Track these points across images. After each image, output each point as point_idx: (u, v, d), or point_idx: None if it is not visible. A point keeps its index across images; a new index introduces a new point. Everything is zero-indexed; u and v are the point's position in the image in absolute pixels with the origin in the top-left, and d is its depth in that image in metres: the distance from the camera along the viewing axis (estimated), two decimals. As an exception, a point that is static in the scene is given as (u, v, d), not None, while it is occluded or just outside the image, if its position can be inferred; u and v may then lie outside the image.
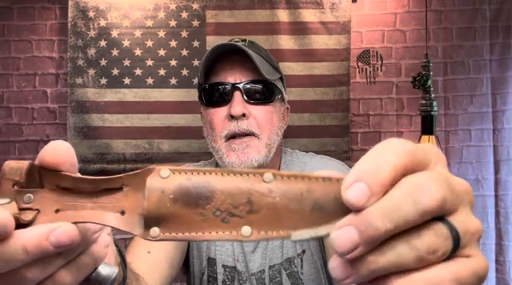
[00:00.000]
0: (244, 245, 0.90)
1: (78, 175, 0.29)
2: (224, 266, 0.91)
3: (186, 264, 0.94)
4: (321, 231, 0.24)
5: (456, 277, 0.23)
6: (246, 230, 0.25)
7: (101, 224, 0.28)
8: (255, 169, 0.26)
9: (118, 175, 0.28)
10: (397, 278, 0.23)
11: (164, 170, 0.26)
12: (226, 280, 0.90)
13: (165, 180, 0.26)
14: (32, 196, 0.28)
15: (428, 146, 0.27)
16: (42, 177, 0.29)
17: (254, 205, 0.25)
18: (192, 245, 0.93)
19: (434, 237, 0.23)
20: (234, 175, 0.25)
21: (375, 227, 0.22)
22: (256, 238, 0.25)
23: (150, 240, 0.26)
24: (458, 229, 0.23)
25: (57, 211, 0.28)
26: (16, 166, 0.28)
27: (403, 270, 0.23)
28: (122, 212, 0.28)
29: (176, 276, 0.86)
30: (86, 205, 0.28)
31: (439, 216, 0.23)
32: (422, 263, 0.23)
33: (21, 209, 0.28)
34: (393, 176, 0.23)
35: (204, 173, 0.26)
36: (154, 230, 0.26)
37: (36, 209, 0.28)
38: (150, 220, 0.26)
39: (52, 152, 0.29)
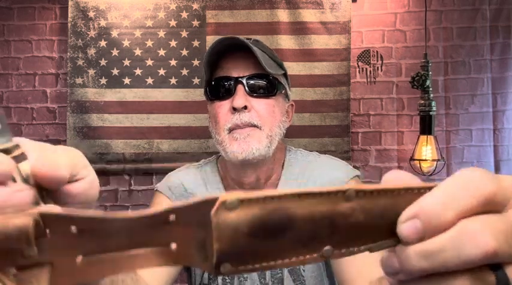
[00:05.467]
0: None
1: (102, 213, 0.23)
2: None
3: (186, 264, 0.94)
4: (393, 242, 0.24)
5: None
6: (327, 250, 0.23)
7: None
8: (334, 187, 0.23)
9: (164, 209, 0.23)
10: None
11: (231, 200, 0.21)
12: (226, 278, 0.90)
13: (234, 215, 0.21)
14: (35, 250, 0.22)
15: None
16: (47, 223, 0.23)
17: (336, 227, 0.23)
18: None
19: (473, 283, 0.22)
20: (313, 196, 0.22)
21: (411, 263, 0.22)
22: (339, 257, 0.24)
23: (218, 275, 0.22)
24: None
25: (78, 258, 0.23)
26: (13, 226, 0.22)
27: None
28: (170, 246, 0.24)
29: (177, 276, 0.86)
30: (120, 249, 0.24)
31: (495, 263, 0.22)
32: None
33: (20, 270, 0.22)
34: (456, 220, 0.22)
35: (279, 198, 0.22)
36: (225, 266, 0.22)
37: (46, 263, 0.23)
38: (220, 259, 0.22)
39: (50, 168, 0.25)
